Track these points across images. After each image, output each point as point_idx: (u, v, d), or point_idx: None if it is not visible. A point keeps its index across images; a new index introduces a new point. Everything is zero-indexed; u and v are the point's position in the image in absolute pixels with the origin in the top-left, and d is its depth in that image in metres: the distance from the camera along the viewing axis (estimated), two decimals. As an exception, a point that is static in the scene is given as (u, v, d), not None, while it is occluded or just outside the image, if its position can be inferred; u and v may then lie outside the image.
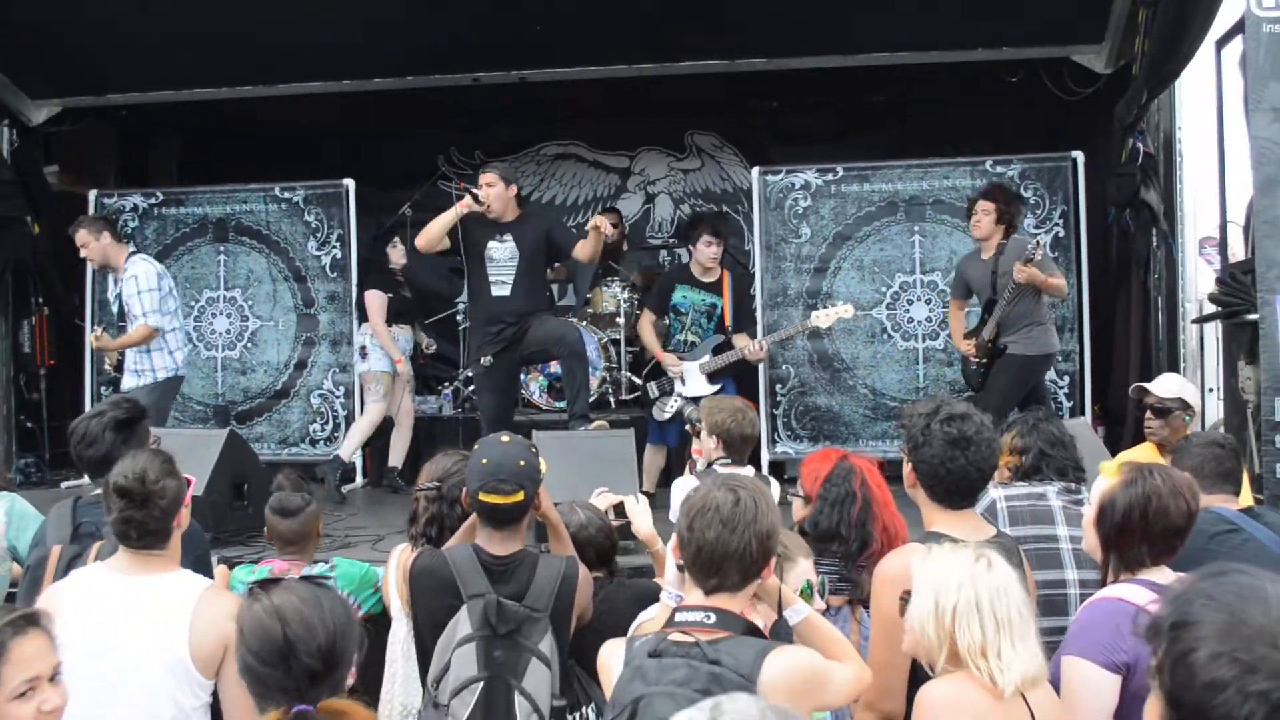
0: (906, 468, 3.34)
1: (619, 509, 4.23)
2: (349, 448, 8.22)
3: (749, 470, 5.04)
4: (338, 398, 8.96)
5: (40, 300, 9.46)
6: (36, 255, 9.32)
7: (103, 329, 7.66)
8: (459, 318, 10.05)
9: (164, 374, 7.37)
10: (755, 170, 8.61)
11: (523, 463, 3.39)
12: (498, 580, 3.33)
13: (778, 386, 8.47)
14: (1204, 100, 7.75)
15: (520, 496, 3.35)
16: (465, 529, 3.63)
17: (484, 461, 3.39)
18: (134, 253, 7.53)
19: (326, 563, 4.22)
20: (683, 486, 4.84)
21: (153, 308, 7.20)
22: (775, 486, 5.02)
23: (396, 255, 8.32)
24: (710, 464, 5.07)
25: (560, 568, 3.38)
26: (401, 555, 3.98)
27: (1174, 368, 7.68)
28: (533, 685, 3.23)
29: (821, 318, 7.29)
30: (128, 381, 7.39)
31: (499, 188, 6.80)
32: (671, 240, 10.52)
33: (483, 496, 3.35)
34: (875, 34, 8.16)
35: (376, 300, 8.17)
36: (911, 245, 8.40)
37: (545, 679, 3.25)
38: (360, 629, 2.51)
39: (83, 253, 7.46)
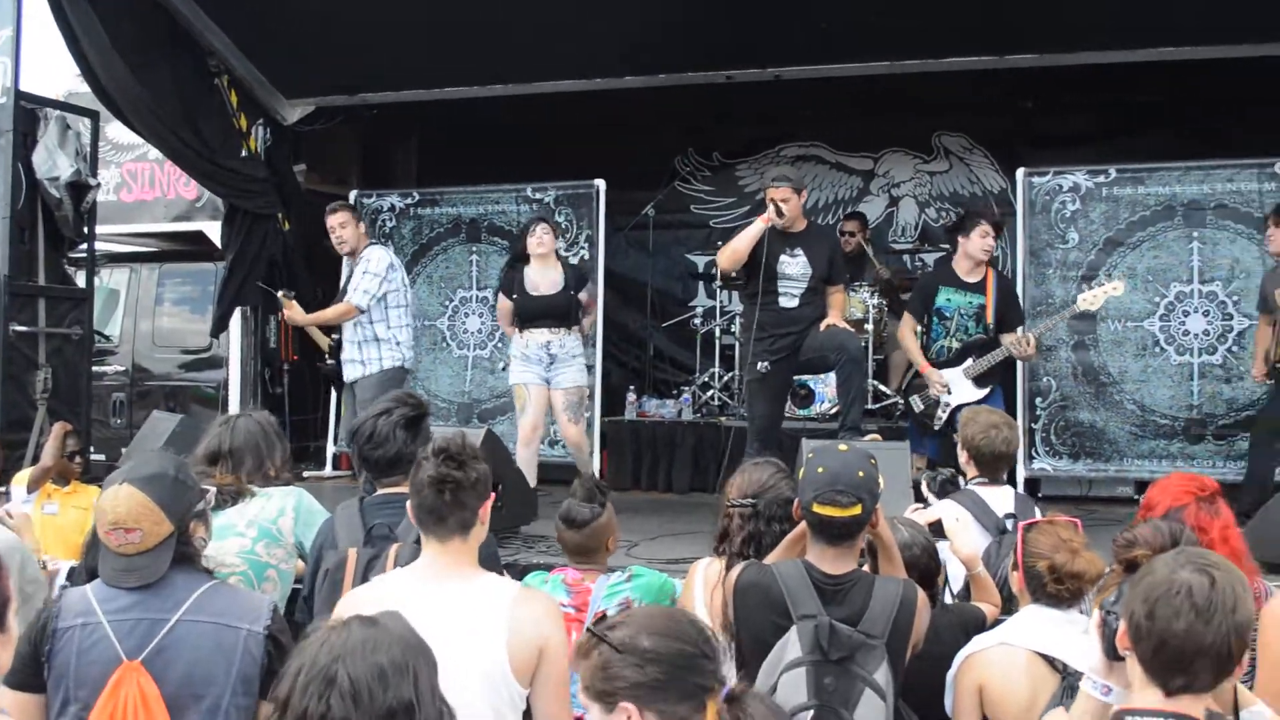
0: None
1: (935, 526, 3.95)
2: None
3: (1006, 491, 4.69)
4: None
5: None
6: (286, 252, 9.54)
7: (292, 297, 7.72)
8: (696, 322, 9.90)
9: (390, 363, 7.44)
10: (1020, 171, 8.19)
11: (862, 474, 3.14)
12: (830, 601, 3.09)
13: (1038, 399, 8.04)
14: None
15: (858, 510, 3.10)
16: (789, 542, 3.41)
17: (820, 470, 3.15)
18: (374, 242, 7.62)
19: (623, 571, 4.07)
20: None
21: (363, 288, 7.28)
22: (1037, 509, 4.65)
23: None
24: (966, 481, 4.75)
25: (898, 591, 3.12)
26: (709, 570, 3.78)
27: None
28: (866, 719, 3.00)
29: (1090, 299, 6.76)
30: (350, 372, 7.52)
31: (794, 201, 6.65)
32: (923, 244, 10.19)
33: (817, 508, 3.11)
34: (1157, 25, 7.56)
35: None
36: (1189, 253, 7.86)
37: (880, 712, 2.99)
38: None
39: (339, 232, 7.56)
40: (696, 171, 10.90)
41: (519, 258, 7.54)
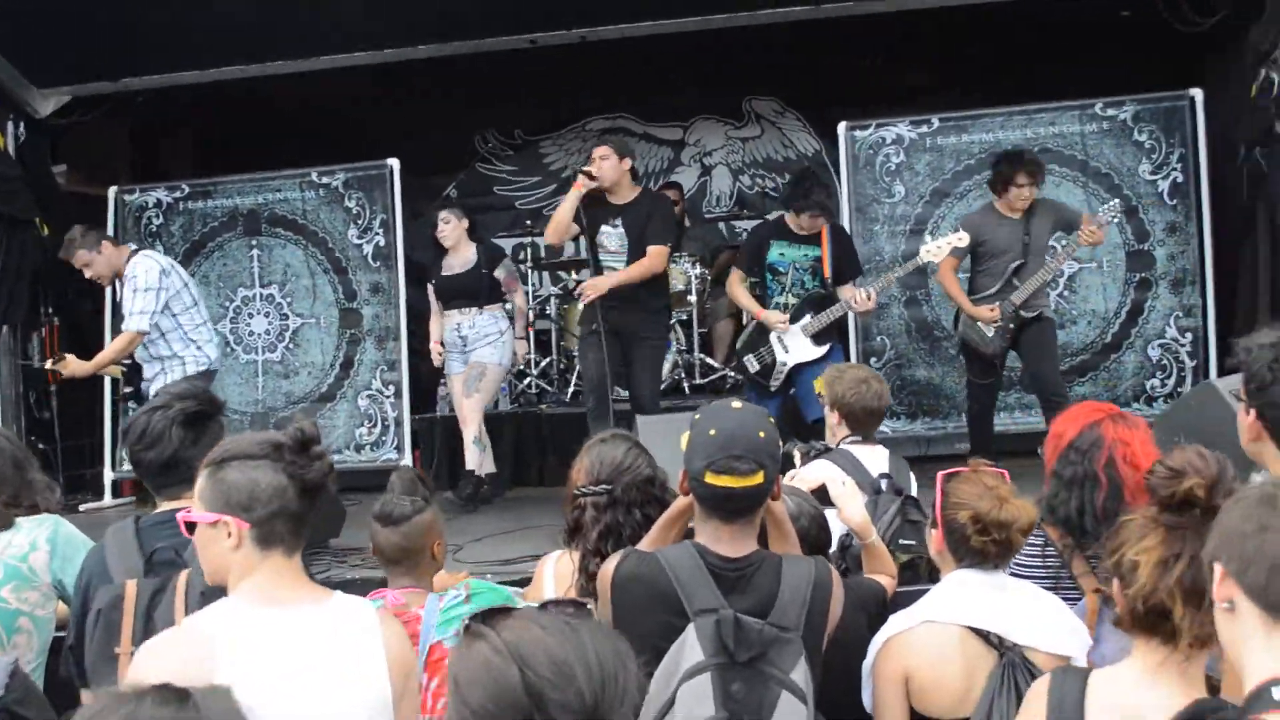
0: (1248, 417, 2.61)
1: (819, 492, 3.47)
2: None
3: (880, 450, 4.31)
4: (387, 398, 8.22)
5: (50, 310, 8.69)
6: (46, 260, 8.56)
7: (57, 356, 6.86)
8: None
9: (194, 367, 6.61)
10: (841, 126, 7.84)
11: (762, 434, 2.62)
12: (731, 590, 2.57)
13: (872, 360, 7.71)
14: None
15: (760, 478, 2.58)
16: (665, 524, 2.87)
17: (711, 433, 2.61)
18: (136, 250, 6.81)
19: (459, 589, 3.44)
20: None
21: (140, 309, 6.44)
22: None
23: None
24: (838, 443, 4.35)
25: (810, 573, 2.62)
26: (560, 565, 3.22)
27: (1319, 317, 7.00)
28: (785, 726, 2.49)
29: (933, 250, 6.42)
30: (156, 385, 6.67)
31: (612, 160, 6.45)
32: (741, 210, 9.84)
33: (711, 478, 2.57)
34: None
35: None
36: (1018, 199, 7.66)
37: (801, 718, 2.50)
38: (640, 673, 1.73)
39: (88, 274, 6.73)
40: (498, 150, 10.34)
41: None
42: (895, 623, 2.78)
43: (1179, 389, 7.45)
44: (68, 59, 8.10)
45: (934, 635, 2.70)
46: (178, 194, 8.76)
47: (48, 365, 7.04)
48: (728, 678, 2.49)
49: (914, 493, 4.08)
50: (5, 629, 3.15)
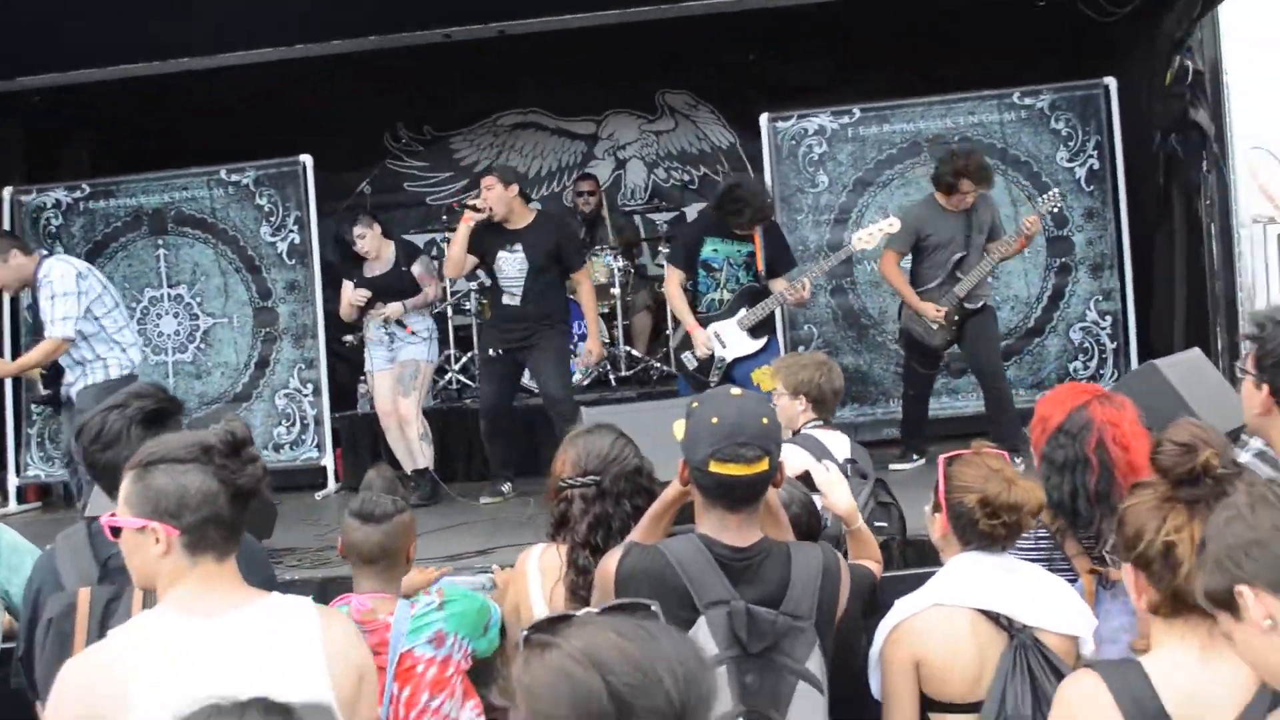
0: (1259, 392, 2.60)
1: (804, 479, 3.42)
2: None
3: (841, 435, 4.31)
4: (305, 396, 8.02)
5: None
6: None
7: None
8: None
9: (116, 370, 6.33)
10: (763, 117, 7.82)
11: (765, 420, 2.55)
12: (740, 580, 2.49)
13: (800, 349, 7.71)
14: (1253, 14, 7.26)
15: (765, 465, 2.51)
16: (654, 516, 2.78)
17: (714, 420, 2.53)
18: (46, 256, 6.53)
19: (432, 593, 3.35)
20: None
21: (61, 315, 6.16)
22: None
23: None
24: (796, 431, 4.34)
25: (819, 559, 2.56)
26: (545, 558, 3.11)
27: (1231, 298, 7.20)
28: (802, 718, 2.43)
29: (864, 238, 6.48)
30: (77, 387, 6.38)
31: (497, 190, 6.71)
32: (659, 203, 9.82)
33: (716, 467, 2.49)
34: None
35: None
36: (933, 187, 7.70)
37: (818, 708, 2.44)
38: (714, 678, 1.63)
39: None
40: (409, 147, 10.12)
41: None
42: (902, 607, 2.72)
43: (1100, 371, 7.60)
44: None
45: (944, 619, 2.65)
46: (78, 194, 8.44)
47: None
48: (742, 670, 2.43)
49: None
50: (-50, 642, 2.97)
